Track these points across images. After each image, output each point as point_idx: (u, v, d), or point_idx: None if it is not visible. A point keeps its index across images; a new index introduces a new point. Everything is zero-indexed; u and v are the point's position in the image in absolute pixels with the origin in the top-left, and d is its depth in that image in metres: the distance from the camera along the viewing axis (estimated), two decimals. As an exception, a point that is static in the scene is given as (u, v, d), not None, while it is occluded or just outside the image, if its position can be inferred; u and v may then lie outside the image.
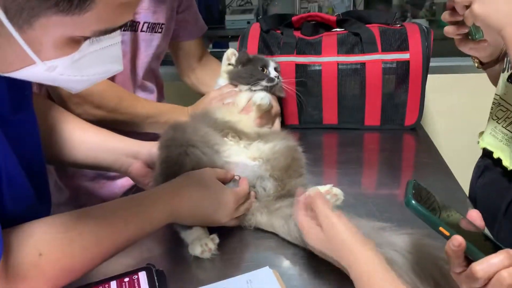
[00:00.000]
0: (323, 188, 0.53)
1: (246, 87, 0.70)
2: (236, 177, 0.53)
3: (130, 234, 0.40)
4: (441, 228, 0.33)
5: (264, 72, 0.71)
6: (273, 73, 0.71)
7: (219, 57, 0.90)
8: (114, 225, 0.38)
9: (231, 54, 0.73)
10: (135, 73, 0.73)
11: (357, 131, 0.88)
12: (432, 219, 0.33)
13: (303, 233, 0.42)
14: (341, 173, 0.72)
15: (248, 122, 0.65)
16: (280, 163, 0.57)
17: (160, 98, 0.85)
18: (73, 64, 0.28)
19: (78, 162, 0.54)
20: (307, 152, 0.64)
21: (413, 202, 0.34)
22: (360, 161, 0.77)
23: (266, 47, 0.88)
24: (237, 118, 0.64)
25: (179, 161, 0.52)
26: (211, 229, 0.51)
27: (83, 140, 0.53)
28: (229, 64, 0.73)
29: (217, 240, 0.48)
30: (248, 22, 1.26)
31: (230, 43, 1.28)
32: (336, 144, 0.88)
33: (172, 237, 0.51)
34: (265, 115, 0.67)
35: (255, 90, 0.69)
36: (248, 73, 0.70)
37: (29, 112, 0.41)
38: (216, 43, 1.37)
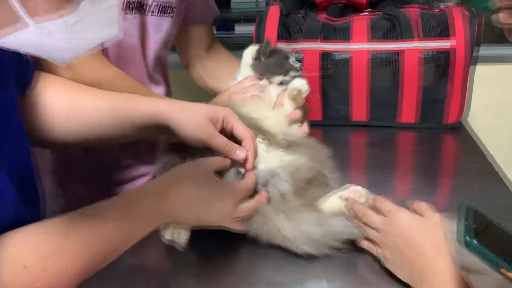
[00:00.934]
0: (342, 193, 0.55)
1: (277, 78, 0.71)
2: (241, 170, 0.53)
3: (124, 236, 0.40)
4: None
5: (289, 62, 0.73)
6: (296, 63, 0.73)
7: (223, 42, 0.91)
8: (105, 228, 0.39)
9: (254, 49, 0.75)
10: (145, 62, 0.72)
11: (389, 130, 0.89)
12: (501, 265, 0.30)
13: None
14: (370, 178, 0.72)
15: (277, 119, 0.65)
16: (300, 176, 0.57)
17: (168, 91, 0.85)
18: (70, 28, 0.29)
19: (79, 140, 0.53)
20: (331, 153, 0.65)
21: (475, 242, 0.31)
22: (392, 165, 0.77)
23: (288, 33, 0.87)
24: (266, 114, 0.64)
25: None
26: (220, 244, 0.52)
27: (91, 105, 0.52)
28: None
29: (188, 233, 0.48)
30: (257, 4, 1.24)
31: (236, 26, 1.26)
32: (365, 144, 0.88)
33: (193, 262, 0.53)
34: (299, 110, 0.69)
35: (281, 82, 0.71)
36: (278, 63, 0.71)
37: (7, 98, 0.41)
38: (220, 26, 1.30)
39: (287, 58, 0.73)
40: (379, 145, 0.84)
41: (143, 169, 0.76)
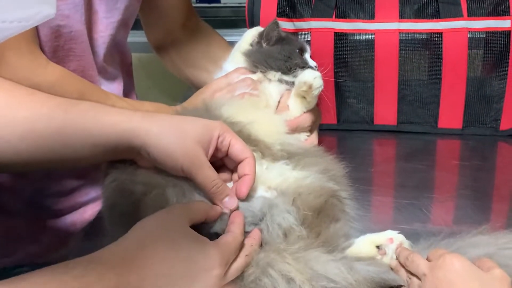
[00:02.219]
0: (376, 239, 0.55)
1: (274, 74, 0.70)
2: (225, 211, 0.52)
3: None
4: None
5: (302, 57, 0.72)
6: (311, 61, 0.72)
7: (206, 16, 0.87)
8: None
9: (257, 32, 0.73)
10: (94, 52, 0.70)
11: (426, 137, 0.88)
12: None
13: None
14: (400, 202, 0.70)
15: (273, 124, 0.65)
16: (307, 202, 0.56)
17: (129, 87, 0.82)
18: None
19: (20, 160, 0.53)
20: (348, 168, 0.64)
21: None
22: (430, 184, 0.76)
23: (291, 8, 0.85)
24: (256, 116, 0.64)
25: (134, 212, 0.52)
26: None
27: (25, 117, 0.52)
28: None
29: None
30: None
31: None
32: (393, 157, 0.87)
33: None
34: (309, 115, 0.68)
35: (286, 80, 0.70)
36: (283, 54, 0.70)
37: None
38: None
39: (302, 50, 0.72)
40: (412, 158, 0.83)
41: (93, 192, 0.75)
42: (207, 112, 0.64)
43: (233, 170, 0.56)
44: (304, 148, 0.66)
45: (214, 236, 0.49)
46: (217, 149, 0.54)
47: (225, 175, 0.56)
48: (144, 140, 0.51)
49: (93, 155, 0.54)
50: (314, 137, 0.72)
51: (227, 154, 0.54)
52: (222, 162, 0.56)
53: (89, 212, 0.75)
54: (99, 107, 0.54)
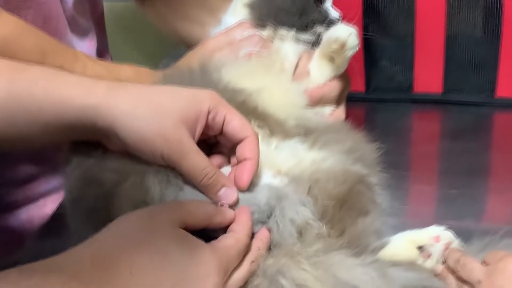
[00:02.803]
0: (418, 237, 0.56)
1: (288, 32, 0.69)
2: (222, 203, 0.52)
3: None
4: None
5: (320, 10, 0.70)
6: (333, 12, 0.71)
7: None
8: None
9: None
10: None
11: (480, 110, 0.87)
12: None
13: None
14: (447, 193, 0.70)
15: (288, 93, 0.65)
16: (327, 190, 0.55)
17: (103, 43, 0.82)
18: None
19: None
20: (381, 148, 0.64)
21: None
22: (485, 169, 0.76)
23: None
24: (267, 83, 0.63)
25: (104, 206, 0.52)
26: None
27: None
28: None
29: None
30: None
31: None
32: (438, 135, 0.87)
33: None
34: (337, 82, 0.68)
35: (303, 39, 0.70)
36: (296, 7, 0.69)
37: None
38: None
39: (320, 0, 0.71)
40: (461, 135, 0.82)
41: (54, 181, 0.76)
42: (202, 76, 0.63)
43: (230, 150, 0.55)
44: (325, 124, 0.66)
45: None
46: (208, 126, 0.53)
47: (219, 158, 0.56)
48: (111, 121, 0.50)
49: (46, 136, 0.53)
50: (341, 111, 0.72)
51: (221, 133, 0.54)
52: (215, 139, 0.56)
53: (50, 205, 0.76)
54: (52, 75, 0.53)
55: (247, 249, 0.50)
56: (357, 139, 0.64)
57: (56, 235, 0.66)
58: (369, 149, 0.64)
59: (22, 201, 0.75)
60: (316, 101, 0.68)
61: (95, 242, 0.44)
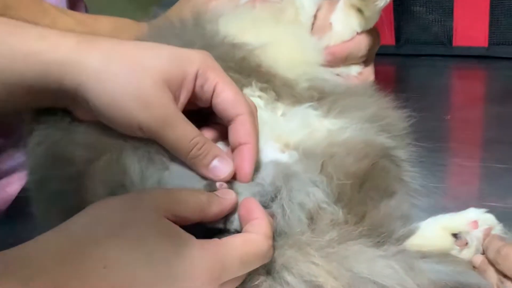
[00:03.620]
0: (453, 223, 0.55)
1: None
2: (219, 185, 0.51)
3: None
4: None
5: None
6: None
7: None
8: None
9: None
10: None
11: None
12: None
13: None
14: (492, 168, 0.69)
15: (301, 49, 0.64)
16: (345, 167, 0.55)
17: None
18: None
19: None
20: (412, 114, 0.64)
21: None
22: None
23: None
24: (276, 36, 0.63)
25: (73, 189, 0.51)
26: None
27: None
28: None
29: None
30: None
31: None
32: (482, 97, 0.86)
33: None
34: (366, 36, 0.68)
35: None
36: None
37: None
38: None
39: None
40: (510, 98, 0.82)
41: (18, 157, 0.76)
42: (195, 28, 0.62)
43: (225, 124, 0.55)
44: (344, 86, 0.65)
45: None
46: (195, 95, 0.52)
47: (211, 132, 0.55)
48: (79, 81, 0.50)
49: (7, 100, 0.53)
50: (369, 72, 0.71)
51: (210, 105, 0.53)
52: (209, 111, 0.55)
53: (14, 185, 0.76)
54: (13, 27, 0.52)
55: (264, 259, 0.48)
56: (382, 104, 0.63)
57: (17, 222, 0.66)
58: (397, 117, 0.63)
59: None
60: (341, 60, 0.67)
61: (64, 231, 0.44)
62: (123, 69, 0.50)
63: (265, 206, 0.52)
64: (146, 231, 0.45)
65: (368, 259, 0.49)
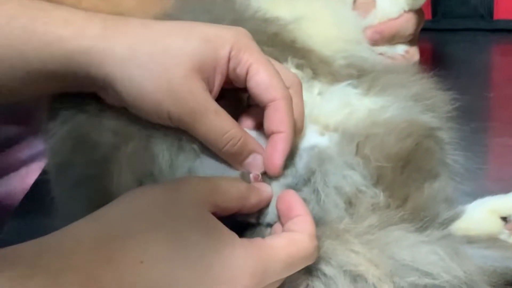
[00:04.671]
0: (501, 205, 0.55)
1: None
2: (256, 175, 0.50)
3: None
4: None
5: None
6: None
7: None
8: None
9: None
10: None
11: None
12: None
13: None
14: None
15: (340, 25, 0.64)
16: (385, 147, 0.54)
17: None
18: None
19: None
20: (453, 93, 0.62)
21: None
22: None
23: None
24: (312, 11, 0.62)
25: (99, 175, 0.50)
26: None
27: None
28: None
29: None
30: None
31: None
32: None
33: None
34: (413, 15, 0.68)
35: None
36: None
37: None
38: None
39: None
40: None
41: (37, 145, 0.76)
42: (224, 2, 0.62)
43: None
44: (384, 64, 0.64)
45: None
46: (229, 78, 0.51)
47: (248, 117, 0.53)
48: (107, 70, 0.49)
49: (29, 86, 0.52)
50: (415, 51, 0.70)
51: (247, 87, 0.51)
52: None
53: (33, 175, 0.75)
54: (35, 9, 0.51)
55: (309, 261, 0.47)
56: (427, 83, 0.61)
57: (37, 209, 0.64)
58: (442, 98, 0.61)
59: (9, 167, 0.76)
60: (388, 39, 0.67)
61: (99, 220, 0.43)
62: (152, 59, 0.49)
63: (298, 189, 0.51)
64: (187, 227, 0.44)
65: (410, 245, 0.48)
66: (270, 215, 0.49)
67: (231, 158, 0.50)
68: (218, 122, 0.49)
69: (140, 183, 0.50)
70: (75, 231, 0.42)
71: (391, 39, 0.67)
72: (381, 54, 0.66)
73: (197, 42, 0.50)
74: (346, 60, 0.60)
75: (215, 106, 0.49)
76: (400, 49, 0.69)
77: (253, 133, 0.52)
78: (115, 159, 0.51)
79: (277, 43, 0.56)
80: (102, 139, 0.52)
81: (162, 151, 0.50)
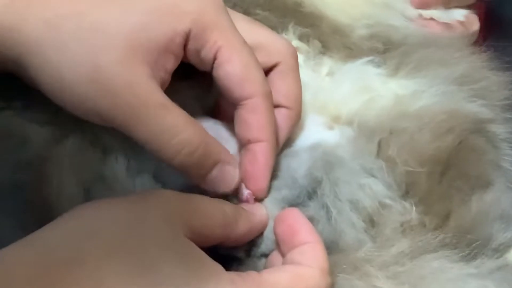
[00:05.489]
0: None
1: None
2: (246, 198, 0.44)
3: None
4: None
5: None
6: None
7: None
8: None
9: None
10: None
11: None
12: None
13: None
14: None
15: None
16: (416, 147, 0.48)
17: None
18: None
19: None
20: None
21: None
22: None
23: None
24: None
25: (31, 182, 0.45)
26: None
27: None
28: None
29: None
30: None
31: None
32: None
33: None
34: None
35: None
36: None
37: None
38: None
39: None
40: None
41: None
42: None
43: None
44: (422, 35, 0.57)
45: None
46: (187, 55, 0.44)
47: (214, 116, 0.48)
48: (20, 51, 0.42)
49: None
50: (475, 18, 0.63)
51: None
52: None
53: None
54: None
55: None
56: (476, 61, 0.55)
57: None
58: (497, 81, 0.54)
59: None
60: (444, 1, 0.61)
61: (37, 242, 0.38)
62: (75, 37, 0.41)
63: (299, 206, 0.46)
64: (157, 254, 0.38)
65: (454, 280, 0.43)
66: (265, 243, 0.44)
67: (188, 172, 0.43)
68: (165, 121, 0.41)
69: (87, 191, 0.44)
70: (6, 259, 0.36)
71: (448, 2, 0.61)
72: (432, 19, 0.60)
73: (140, 14, 0.43)
74: (369, 30, 0.54)
75: (163, 98, 0.41)
76: (458, 14, 0.61)
77: (221, 127, 0.46)
78: (52, 159, 0.45)
79: (276, 5, 0.52)
80: (32, 132, 0.46)
81: (115, 148, 0.45)
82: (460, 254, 0.44)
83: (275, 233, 0.43)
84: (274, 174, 0.45)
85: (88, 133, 0.45)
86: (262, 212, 0.44)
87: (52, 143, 0.45)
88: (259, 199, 0.44)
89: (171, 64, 0.43)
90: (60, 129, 0.45)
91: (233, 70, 0.43)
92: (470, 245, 0.45)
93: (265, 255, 0.44)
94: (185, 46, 0.43)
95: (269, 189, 0.44)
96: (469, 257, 0.44)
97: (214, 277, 0.38)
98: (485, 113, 0.51)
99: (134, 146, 0.44)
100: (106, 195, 0.43)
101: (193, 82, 0.46)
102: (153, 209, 0.39)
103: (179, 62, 0.43)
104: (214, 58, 0.43)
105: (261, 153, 0.44)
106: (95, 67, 0.41)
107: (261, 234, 0.44)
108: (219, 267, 0.38)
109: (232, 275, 0.39)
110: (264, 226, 0.44)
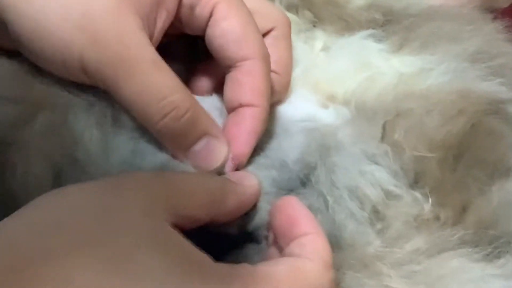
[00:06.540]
0: None
1: None
2: (230, 163, 0.43)
3: None
4: None
5: None
6: None
7: None
8: None
9: None
10: None
11: None
12: None
13: None
14: None
15: None
16: (426, 130, 0.45)
17: None
18: None
19: None
20: None
21: None
22: None
23: None
24: None
25: None
26: None
27: None
28: None
29: None
30: None
31: None
32: None
33: None
34: None
35: None
36: None
37: None
38: None
39: None
40: None
41: None
42: None
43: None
44: (427, 5, 0.54)
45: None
46: (180, 19, 0.43)
47: (201, 78, 0.46)
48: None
49: None
50: None
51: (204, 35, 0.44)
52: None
53: None
54: None
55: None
56: (490, 35, 0.51)
57: None
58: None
59: None
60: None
61: (1, 240, 0.35)
62: None
63: (292, 192, 0.43)
64: (134, 246, 0.35)
65: (475, 280, 0.41)
66: (259, 214, 0.42)
67: (171, 139, 0.41)
68: (155, 79, 0.39)
69: (57, 175, 0.41)
70: None
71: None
72: None
73: None
74: (368, 1, 0.52)
75: (154, 55, 0.39)
76: None
77: (207, 103, 0.43)
78: (17, 142, 0.42)
79: None
80: None
81: (89, 125, 0.42)
82: (482, 253, 0.41)
83: (272, 226, 0.40)
84: (261, 151, 0.42)
85: (57, 112, 0.42)
86: (252, 182, 0.41)
87: (17, 124, 0.42)
88: (238, 166, 0.42)
89: (162, 20, 0.42)
90: (25, 107, 0.42)
91: (231, 27, 0.42)
92: (493, 242, 0.42)
93: (258, 238, 0.41)
94: (179, 1, 0.42)
95: (256, 165, 0.41)
96: (492, 256, 0.41)
97: (201, 269, 0.35)
98: (503, 93, 0.48)
99: (109, 122, 0.42)
100: (79, 180, 0.39)
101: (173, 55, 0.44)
102: (129, 194, 0.37)
103: (170, 20, 0.42)
104: (210, 15, 0.42)
105: (251, 117, 0.42)
106: (85, 13, 0.39)
107: (254, 210, 0.42)
108: (206, 259, 0.35)
109: (222, 267, 0.36)
110: (256, 198, 0.41)
